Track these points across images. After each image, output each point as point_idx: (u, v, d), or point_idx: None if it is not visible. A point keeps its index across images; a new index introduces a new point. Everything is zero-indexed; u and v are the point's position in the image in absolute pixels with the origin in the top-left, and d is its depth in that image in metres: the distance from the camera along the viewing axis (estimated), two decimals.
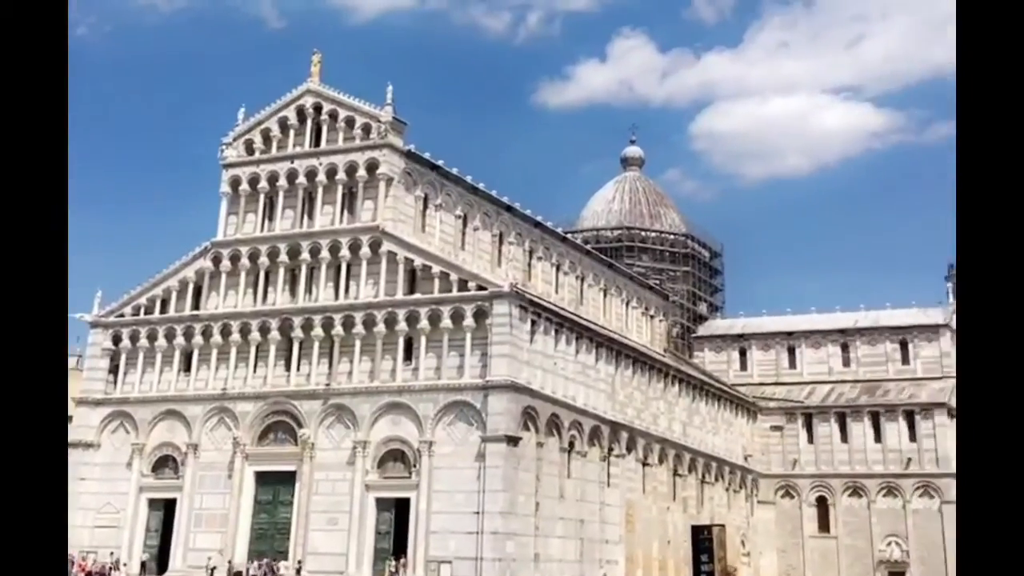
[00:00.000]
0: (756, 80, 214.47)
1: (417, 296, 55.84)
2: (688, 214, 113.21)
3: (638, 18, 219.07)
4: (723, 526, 14.07)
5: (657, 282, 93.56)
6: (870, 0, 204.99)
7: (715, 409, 77.37)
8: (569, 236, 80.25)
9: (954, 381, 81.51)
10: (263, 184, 61.80)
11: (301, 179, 60.82)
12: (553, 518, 54.22)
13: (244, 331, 59.02)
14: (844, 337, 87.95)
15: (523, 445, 52.22)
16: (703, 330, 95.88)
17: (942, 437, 77.78)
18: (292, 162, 61.52)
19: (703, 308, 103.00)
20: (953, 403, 78.91)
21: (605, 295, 79.96)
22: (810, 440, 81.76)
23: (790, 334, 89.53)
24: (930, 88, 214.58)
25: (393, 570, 51.16)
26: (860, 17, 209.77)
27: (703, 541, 11.87)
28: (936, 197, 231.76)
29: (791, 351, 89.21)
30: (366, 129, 60.33)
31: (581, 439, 57.81)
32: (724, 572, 13.11)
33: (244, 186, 62.11)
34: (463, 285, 54.97)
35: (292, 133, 62.51)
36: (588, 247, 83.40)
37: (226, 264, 60.75)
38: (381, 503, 53.60)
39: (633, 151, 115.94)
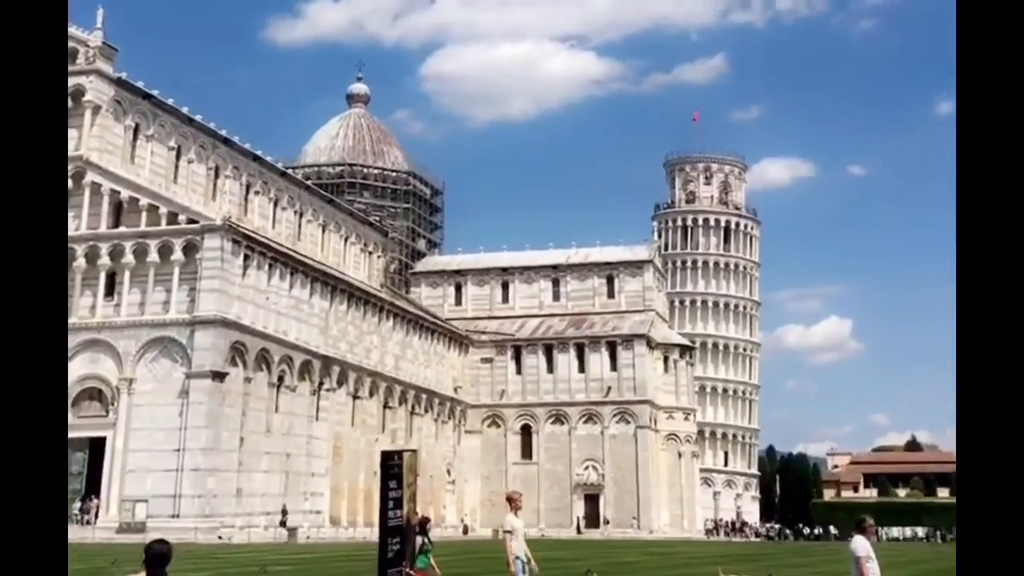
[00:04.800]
0: (486, 25, 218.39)
1: (122, 230, 54.65)
2: (414, 154, 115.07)
3: None
4: (414, 451, 15.06)
5: (377, 218, 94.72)
6: None
7: (428, 343, 79.92)
8: (290, 171, 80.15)
9: (654, 314, 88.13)
10: None
11: None
12: (258, 453, 55.09)
13: None
14: (556, 273, 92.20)
15: (230, 381, 52.55)
16: (421, 266, 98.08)
17: (640, 366, 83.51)
18: None
19: (422, 245, 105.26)
20: (652, 333, 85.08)
21: (324, 231, 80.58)
22: (518, 371, 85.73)
23: (505, 270, 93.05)
24: (649, 39, 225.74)
25: (81, 511, 50.27)
26: None
27: (392, 467, 12.70)
28: (648, 143, 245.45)
29: (505, 286, 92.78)
30: (72, 54, 57.85)
31: (291, 373, 58.75)
32: (413, 498, 13.94)
33: None
34: (173, 218, 54.31)
35: None
36: (309, 183, 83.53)
37: None
38: (74, 443, 52.21)
39: (359, 88, 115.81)
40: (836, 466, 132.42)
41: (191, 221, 54.20)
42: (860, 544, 12.11)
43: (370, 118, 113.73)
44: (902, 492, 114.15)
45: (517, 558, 14.26)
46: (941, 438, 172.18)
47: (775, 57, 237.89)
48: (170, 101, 62.94)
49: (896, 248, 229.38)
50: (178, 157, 63.70)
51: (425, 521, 16.17)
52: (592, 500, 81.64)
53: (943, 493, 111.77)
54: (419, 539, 15.26)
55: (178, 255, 53.07)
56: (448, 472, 79.88)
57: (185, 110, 64.44)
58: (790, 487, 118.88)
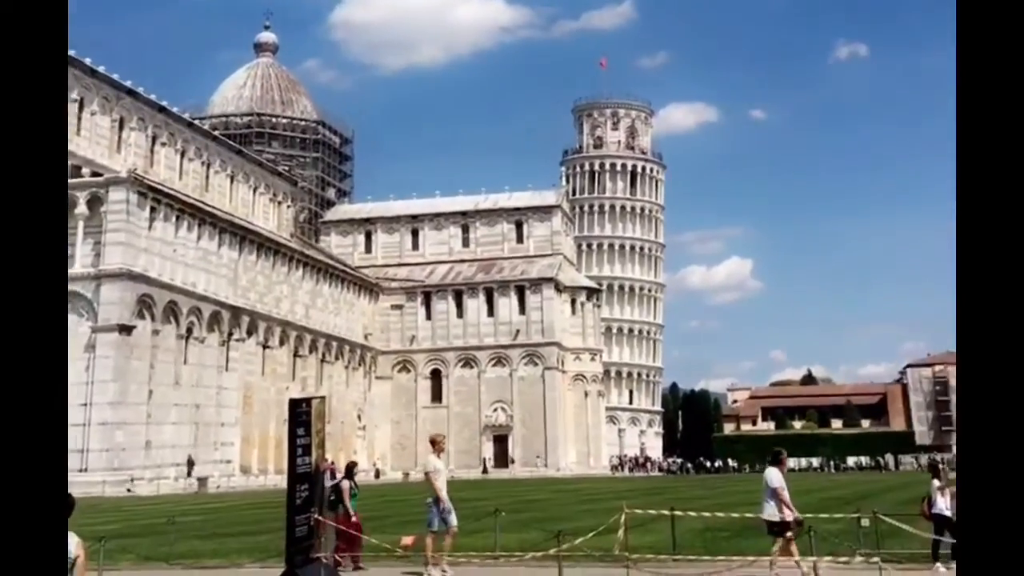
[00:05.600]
0: None
1: None
2: (324, 103, 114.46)
3: None
4: (323, 398, 15.79)
5: (287, 168, 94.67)
6: None
7: (339, 291, 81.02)
8: (197, 122, 79.67)
9: (562, 258, 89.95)
10: None
11: None
12: (167, 405, 56.01)
13: None
14: (465, 219, 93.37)
15: (137, 334, 53.20)
16: (331, 215, 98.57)
17: (548, 309, 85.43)
18: None
19: (332, 193, 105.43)
20: (559, 277, 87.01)
21: (232, 181, 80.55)
22: (428, 317, 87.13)
23: (414, 217, 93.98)
24: None
25: None
26: None
27: (300, 415, 13.29)
28: (556, 89, 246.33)
29: (415, 233, 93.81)
30: None
31: (200, 325, 59.56)
32: (321, 445, 14.91)
33: None
34: (76, 171, 54.19)
35: None
36: (216, 133, 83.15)
37: None
38: None
39: (266, 37, 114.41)
40: (736, 401, 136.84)
41: (95, 174, 54.35)
42: (775, 475, 13.11)
43: (278, 67, 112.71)
44: (798, 424, 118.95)
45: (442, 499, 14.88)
46: (835, 372, 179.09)
47: (681, 4, 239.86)
48: (72, 52, 62.25)
49: (794, 190, 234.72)
50: (81, 109, 63.15)
51: (352, 466, 17.37)
52: (500, 441, 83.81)
53: (836, 424, 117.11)
54: (347, 483, 16.18)
55: (82, 208, 53.21)
56: (359, 418, 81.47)
57: (88, 61, 63.79)
58: (692, 422, 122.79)
